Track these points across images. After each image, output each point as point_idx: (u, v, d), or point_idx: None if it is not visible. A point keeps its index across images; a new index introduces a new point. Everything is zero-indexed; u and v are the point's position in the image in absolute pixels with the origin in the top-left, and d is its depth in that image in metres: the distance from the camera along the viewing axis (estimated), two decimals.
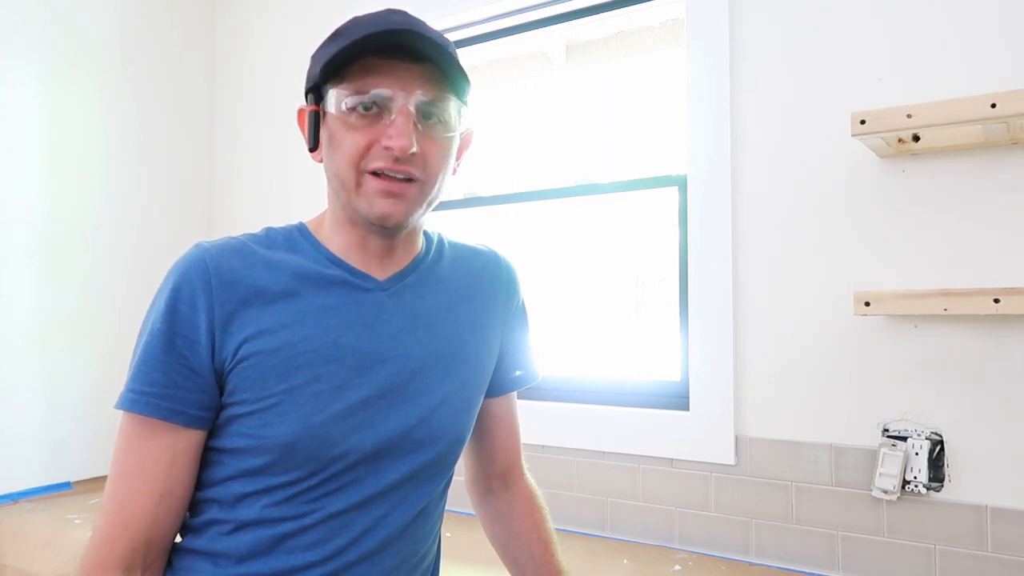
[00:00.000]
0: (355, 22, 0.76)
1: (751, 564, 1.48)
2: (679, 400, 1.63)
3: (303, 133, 0.82)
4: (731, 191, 1.54)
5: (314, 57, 0.79)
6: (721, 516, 1.53)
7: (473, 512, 1.04)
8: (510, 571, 0.99)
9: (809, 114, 1.47)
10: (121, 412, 0.76)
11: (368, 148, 0.75)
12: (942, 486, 1.32)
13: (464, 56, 2.07)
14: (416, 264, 0.86)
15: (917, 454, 1.34)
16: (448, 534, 1.62)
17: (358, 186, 0.76)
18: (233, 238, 0.81)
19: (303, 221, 0.86)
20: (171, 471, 0.75)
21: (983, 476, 1.30)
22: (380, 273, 0.83)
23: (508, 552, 0.99)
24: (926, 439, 1.34)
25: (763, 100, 1.52)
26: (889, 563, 1.36)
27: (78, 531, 1.66)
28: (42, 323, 1.99)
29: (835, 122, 1.44)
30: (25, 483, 1.95)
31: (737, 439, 1.52)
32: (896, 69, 1.39)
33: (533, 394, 1.80)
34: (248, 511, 0.76)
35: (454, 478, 0.91)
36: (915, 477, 1.34)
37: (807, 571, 1.44)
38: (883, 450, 1.36)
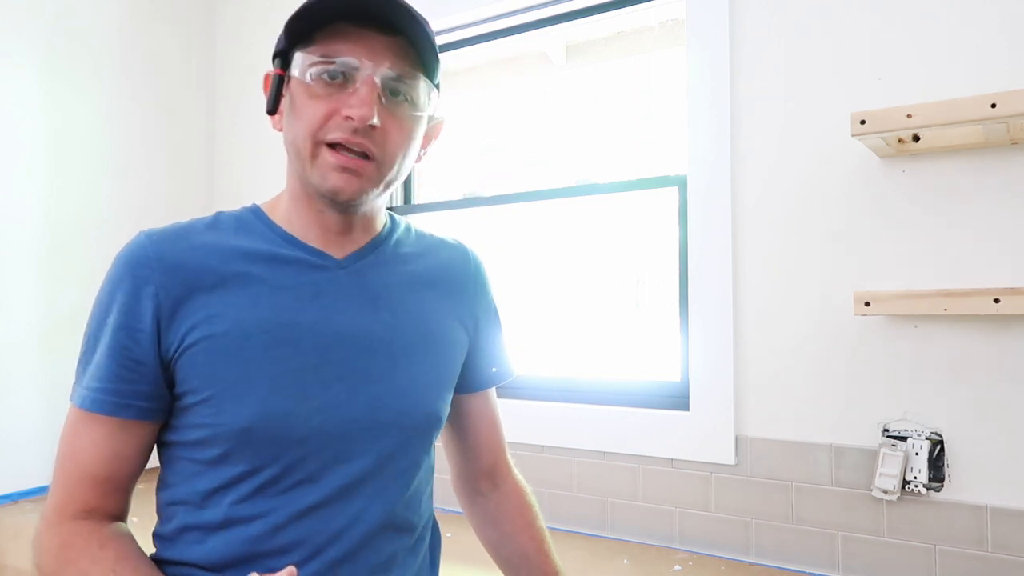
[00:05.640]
0: None
1: (751, 564, 1.48)
2: (679, 400, 1.63)
3: (266, 97, 0.78)
4: (731, 191, 1.54)
5: (286, 23, 0.75)
6: (721, 516, 1.53)
7: None
8: (504, 573, 0.96)
9: (809, 114, 1.47)
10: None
11: (328, 118, 0.72)
12: (942, 486, 1.32)
13: (464, 56, 2.07)
14: (376, 243, 0.83)
15: (917, 454, 1.34)
16: (448, 534, 1.62)
17: (313, 157, 0.73)
18: (179, 223, 0.78)
19: (257, 203, 0.84)
20: (114, 460, 0.74)
21: (983, 476, 1.30)
22: (339, 252, 0.80)
23: (501, 554, 0.96)
24: (926, 439, 1.34)
25: (763, 100, 1.52)
26: (889, 563, 1.36)
27: None
28: (42, 323, 1.99)
29: (835, 122, 1.44)
30: (25, 483, 1.95)
31: (737, 439, 1.52)
32: (896, 69, 1.39)
33: (532, 394, 1.80)
34: (215, 511, 0.73)
35: (444, 479, 0.89)
36: (915, 477, 1.34)
37: (807, 571, 1.44)
38: (883, 450, 1.36)
